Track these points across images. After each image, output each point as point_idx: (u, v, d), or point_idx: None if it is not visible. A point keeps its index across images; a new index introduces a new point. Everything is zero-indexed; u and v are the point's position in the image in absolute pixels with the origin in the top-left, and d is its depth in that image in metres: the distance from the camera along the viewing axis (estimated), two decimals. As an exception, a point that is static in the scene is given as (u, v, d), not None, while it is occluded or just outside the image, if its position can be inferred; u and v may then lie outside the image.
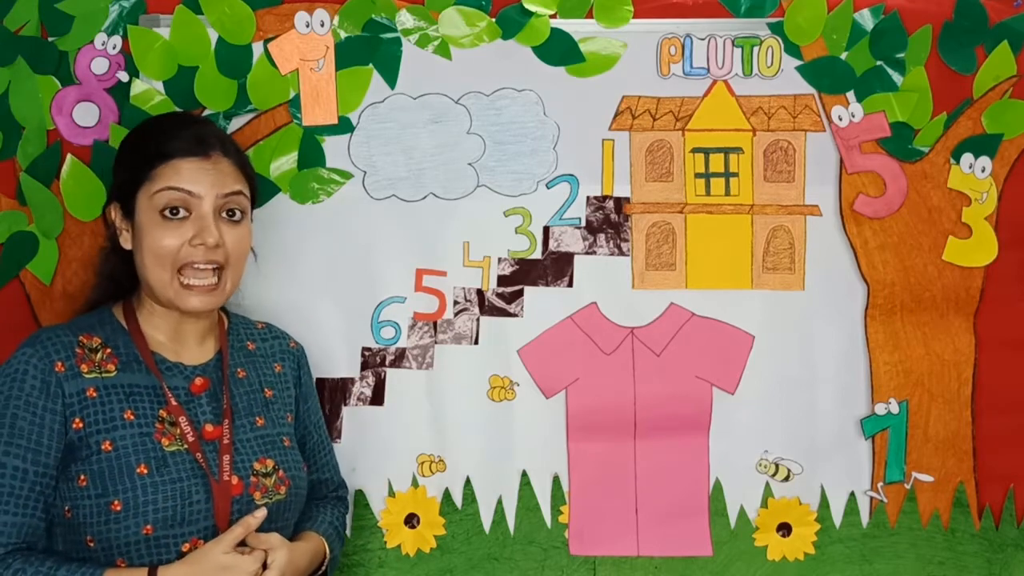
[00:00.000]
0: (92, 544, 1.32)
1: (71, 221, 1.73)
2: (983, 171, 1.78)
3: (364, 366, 1.78)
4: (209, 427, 1.41)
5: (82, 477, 1.33)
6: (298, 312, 1.75)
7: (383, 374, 1.78)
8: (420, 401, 1.78)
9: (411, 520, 1.80)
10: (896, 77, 1.76)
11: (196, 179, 1.40)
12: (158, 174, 1.40)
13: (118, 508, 1.31)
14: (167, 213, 1.39)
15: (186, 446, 1.38)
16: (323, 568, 1.53)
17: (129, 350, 1.42)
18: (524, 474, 1.80)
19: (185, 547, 1.34)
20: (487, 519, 1.80)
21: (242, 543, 1.36)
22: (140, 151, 1.43)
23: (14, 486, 1.31)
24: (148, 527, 1.31)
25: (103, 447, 1.34)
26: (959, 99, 1.77)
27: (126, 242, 1.44)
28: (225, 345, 1.51)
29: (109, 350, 1.40)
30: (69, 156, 1.72)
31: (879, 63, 1.76)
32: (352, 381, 1.78)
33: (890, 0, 1.75)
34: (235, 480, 1.39)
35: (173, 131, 1.44)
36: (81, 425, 1.34)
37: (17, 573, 1.27)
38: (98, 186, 1.71)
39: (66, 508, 1.33)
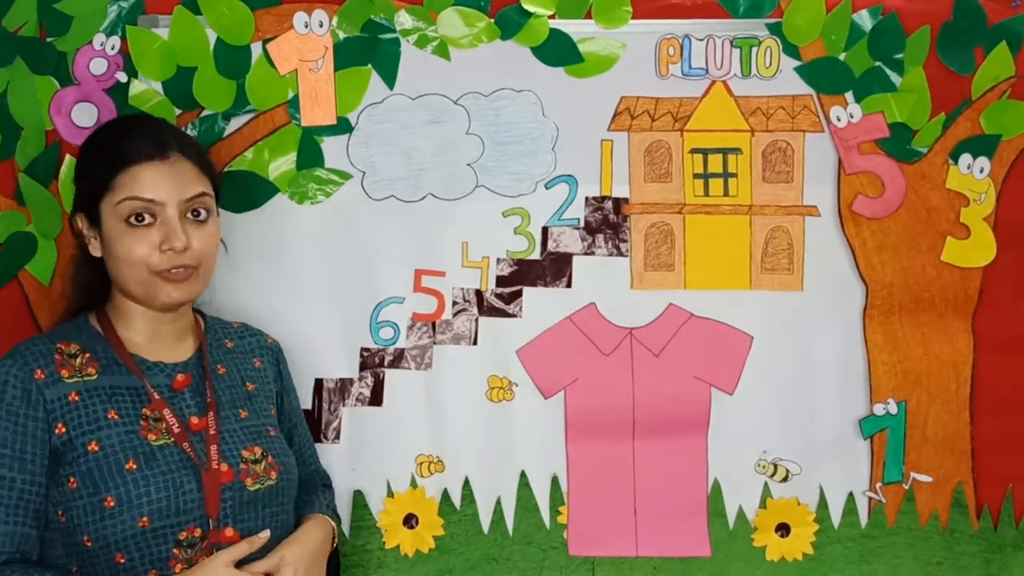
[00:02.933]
0: (90, 543, 1.32)
1: (70, 221, 1.73)
2: (981, 172, 1.78)
3: (363, 366, 1.78)
4: (195, 419, 1.42)
5: (71, 480, 1.33)
6: (297, 312, 1.75)
7: (382, 375, 1.78)
8: (419, 402, 1.78)
9: (410, 520, 1.80)
10: (895, 78, 1.76)
11: (156, 185, 1.39)
12: (119, 183, 1.38)
13: (111, 504, 1.32)
14: (132, 220, 1.38)
15: (172, 439, 1.38)
16: (335, 543, 1.56)
17: (108, 354, 1.42)
18: (523, 474, 1.80)
19: (182, 535, 1.34)
20: (486, 519, 1.80)
21: (248, 560, 1.37)
22: (99, 159, 1.42)
23: (2, 495, 1.31)
24: (144, 519, 1.32)
25: (89, 448, 1.34)
26: (957, 100, 1.77)
27: (95, 250, 1.43)
28: (204, 342, 1.52)
29: (88, 355, 1.41)
30: (68, 156, 1.71)
31: (878, 64, 1.76)
32: (351, 381, 1.78)
33: (888, 1, 1.75)
34: (224, 467, 1.40)
35: (129, 135, 1.42)
36: (64, 430, 1.34)
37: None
38: (97, 186, 1.72)
39: (59, 512, 1.33)
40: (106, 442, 1.35)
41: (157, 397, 1.40)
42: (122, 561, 1.32)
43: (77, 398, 1.36)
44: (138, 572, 1.33)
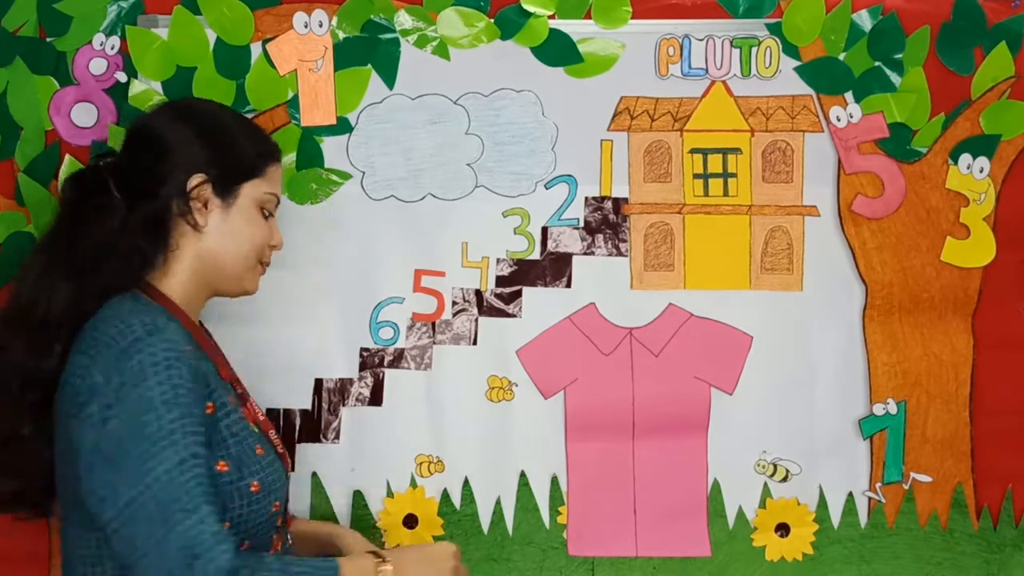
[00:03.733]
0: (227, 527, 1.21)
1: (69, 222, 1.72)
2: (981, 172, 1.78)
3: (362, 367, 1.78)
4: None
5: (221, 463, 1.26)
6: (297, 312, 1.75)
7: (381, 375, 1.78)
8: (418, 402, 1.78)
9: (409, 521, 1.80)
10: (894, 78, 1.76)
11: (281, 184, 1.49)
12: (269, 173, 1.43)
13: (256, 489, 1.29)
14: (264, 212, 1.44)
15: (258, 425, 1.39)
16: None
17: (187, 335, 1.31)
18: (523, 475, 1.79)
19: (279, 521, 1.37)
20: (485, 520, 1.80)
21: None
22: (253, 143, 1.44)
23: (202, 475, 1.20)
24: (276, 504, 1.33)
25: (230, 430, 1.29)
26: (957, 100, 1.77)
27: (203, 217, 1.35)
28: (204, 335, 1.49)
29: None
30: (67, 156, 1.71)
31: (877, 64, 1.76)
32: (350, 382, 1.78)
33: (888, 1, 1.75)
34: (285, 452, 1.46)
35: (259, 128, 1.52)
36: (213, 409, 1.27)
37: (270, 565, 1.20)
38: (96, 187, 1.71)
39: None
40: (237, 426, 1.30)
41: (235, 385, 1.41)
42: (245, 548, 1.26)
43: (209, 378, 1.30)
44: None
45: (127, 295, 1.30)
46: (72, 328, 1.28)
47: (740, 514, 1.82)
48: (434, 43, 1.74)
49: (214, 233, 1.37)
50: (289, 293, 1.75)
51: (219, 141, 1.40)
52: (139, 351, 1.20)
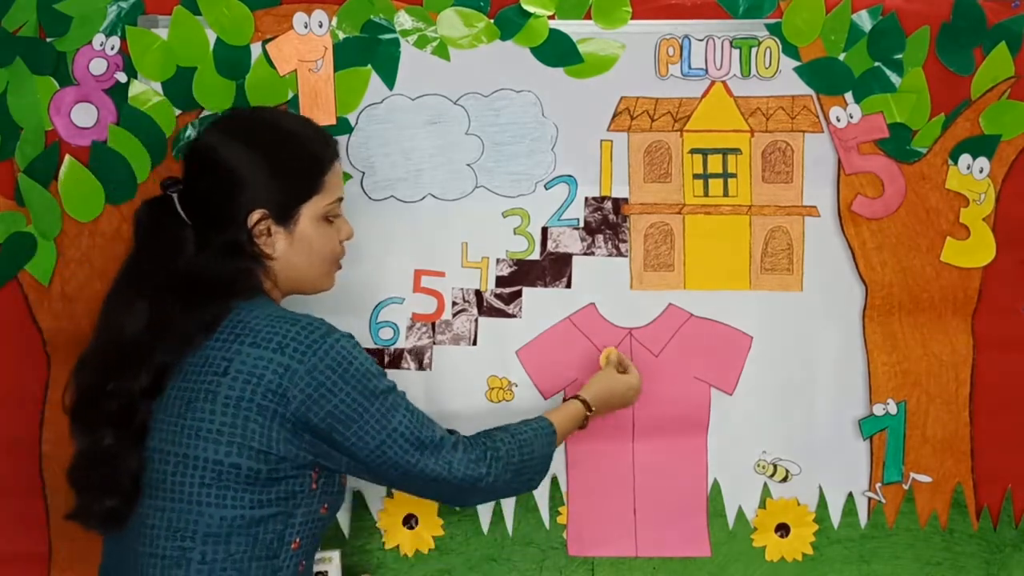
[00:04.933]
0: (325, 512, 1.43)
1: (69, 222, 1.72)
2: (981, 172, 1.78)
3: (362, 367, 1.78)
4: None
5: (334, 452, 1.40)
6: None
7: (381, 375, 1.78)
8: (418, 402, 1.74)
9: (409, 521, 1.80)
10: (894, 78, 1.76)
11: (342, 181, 1.53)
12: (326, 185, 1.47)
13: (344, 482, 1.47)
14: (330, 217, 1.48)
15: None
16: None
17: None
18: (522, 475, 1.80)
19: None
20: (485, 520, 1.80)
21: None
22: (301, 167, 1.46)
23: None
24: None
25: None
26: (957, 100, 1.77)
27: (270, 247, 1.43)
28: None
29: None
30: (67, 157, 1.71)
31: (877, 64, 1.76)
32: (350, 382, 1.78)
33: (888, 1, 1.75)
34: None
35: (316, 134, 1.51)
36: None
37: (499, 444, 1.47)
38: (96, 187, 1.71)
39: (313, 483, 1.40)
40: None
41: None
42: (296, 546, 1.39)
43: None
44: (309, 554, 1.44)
45: (258, 300, 1.42)
46: (155, 348, 1.36)
47: (740, 514, 1.82)
48: (434, 43, 1.74)
49: (283, 256, 1.45)
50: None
51: (283, 169, 1.44)
52: (337, 339, 1.38)
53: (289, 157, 1.45)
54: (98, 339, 1.42)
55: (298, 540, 1.39)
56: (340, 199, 1.50)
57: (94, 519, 1.39)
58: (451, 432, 1.47)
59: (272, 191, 1.42)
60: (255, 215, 1.41)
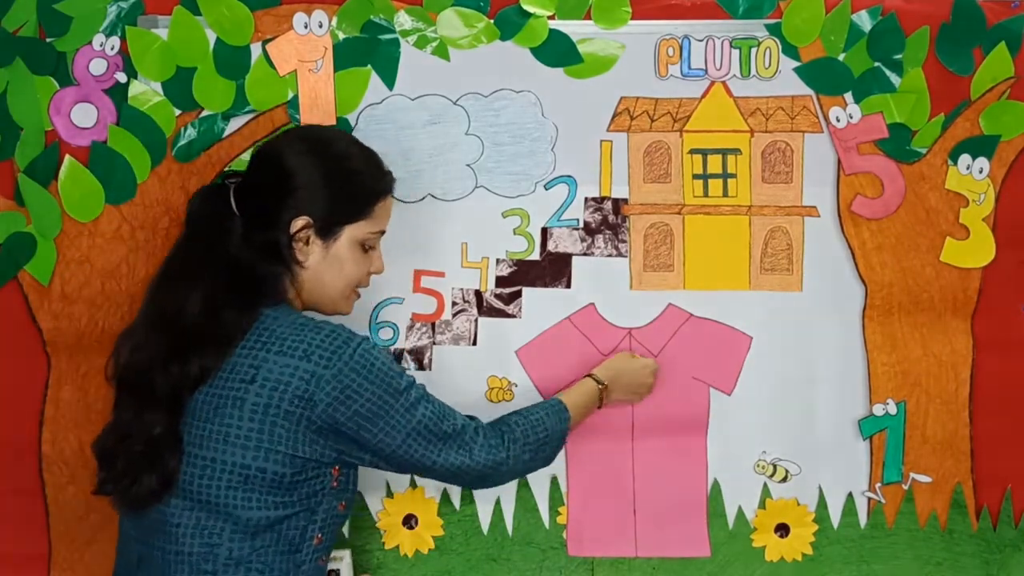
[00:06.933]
0: (342, 509, 1.47)
1: (69, 222, 1.72)
2: (981, 172, 1.78)
3: (362, 367, 1.78)
4: None
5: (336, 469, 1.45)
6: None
7: (381, 375, 1.78)
8: (418, 402, 1.78)
9: (409, 521, 1.80)
10: (894, 78, 1.76)
11: (388, 218, 1.56)
12: (376, 213, 1.52)
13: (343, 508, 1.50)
14: (366, 246, 1.52)
15: None
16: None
17: None
18: (522, 475, 1.80)
19: None
20: (485, 520, 1.80)
21: None
22: (372, 184, 1.52)
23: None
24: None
25: None
26: (957, 100, 1.77)
27: (305, 256, 1.47)
28: None
29: None
30: (67, 157, 1.71)
31: (877, 64, 1.76)
32: (350, 382, 1.78)
33: (888, 1, 1.75)
34: None
35: (377, 164, 1.55)
36: None
37: (514, 427, 1.53)
38: (96, 187, 1.71)
39: (333, 481, 1.43)
40: None
41: None
42: (319, 541, 1.44)
43: None
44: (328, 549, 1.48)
45: (282, 308, 1.45)
46: (206, 335, 1.39)
47: (740, 514, 1.82)
48: (434, 44, 1.74)
49: (314, 268, 1.48)
50: (289, 293, 1.75)
51: (338, 187, 1.48)
52: (359, 343, 1.40)
53: (346, 177, 1.50)
54: (148, 318, 1.44)
55: (320, 535, 1.43)
56: (382, 232, 1.55)
57: (129, 497, 1.39)
58: (471, 419, 1.53)
59: (322, 203, 1.47)
60: (299, 221, 1.45)
